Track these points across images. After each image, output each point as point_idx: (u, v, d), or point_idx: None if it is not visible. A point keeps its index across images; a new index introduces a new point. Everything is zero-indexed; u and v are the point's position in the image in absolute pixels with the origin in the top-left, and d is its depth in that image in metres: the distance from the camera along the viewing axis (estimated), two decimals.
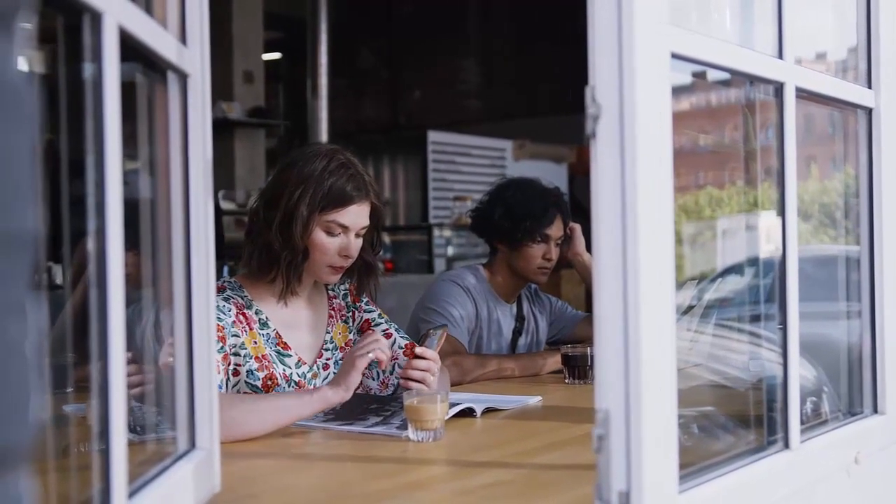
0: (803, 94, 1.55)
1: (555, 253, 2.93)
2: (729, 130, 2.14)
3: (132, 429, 1.21)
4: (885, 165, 1.78)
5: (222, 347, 2.04)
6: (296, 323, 2.25)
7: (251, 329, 2.14)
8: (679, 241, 1.30)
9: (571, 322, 3.15)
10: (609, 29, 1.15)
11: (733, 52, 1.42)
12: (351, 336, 2.34)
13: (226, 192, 6.88)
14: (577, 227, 3.04)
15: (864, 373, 1.80)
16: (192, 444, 1.34)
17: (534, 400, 2.31)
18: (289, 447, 1.84)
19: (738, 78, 1.59)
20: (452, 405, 2.00)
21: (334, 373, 2.25)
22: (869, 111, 1.78)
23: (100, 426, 0.98)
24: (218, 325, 2.01)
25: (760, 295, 1.89)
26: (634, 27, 1.13)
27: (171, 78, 1.30)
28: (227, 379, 2.06)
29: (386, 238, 7.61)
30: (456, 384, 2.63)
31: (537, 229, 2.89)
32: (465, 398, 2.17)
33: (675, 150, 1.22)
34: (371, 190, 2.21)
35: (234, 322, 2.10)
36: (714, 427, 1.60)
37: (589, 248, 3.06)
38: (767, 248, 1.95)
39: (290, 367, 2.18)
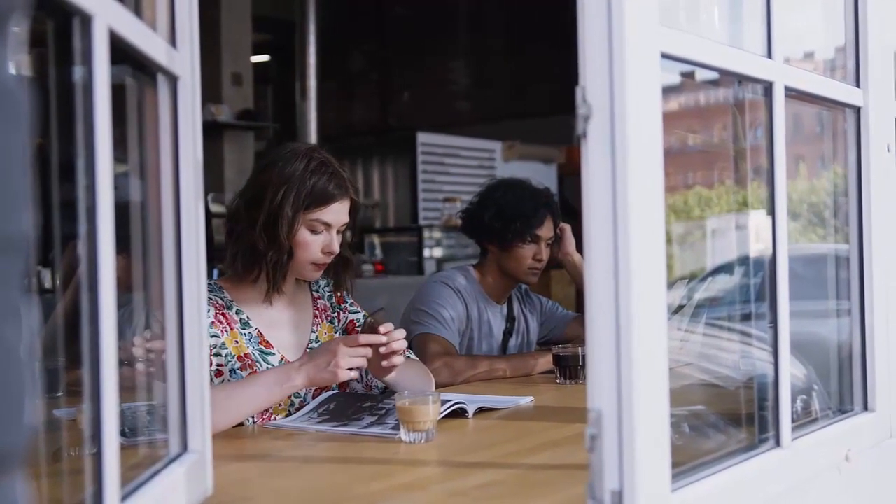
0: (792, 94, 1.55)
1: (545, 253, 2.94)
2: (717, 130, 2.14)
3: (122, 432, 1.21)
4: (873, 164, 1.78)
5: None
6: (279, 322, 2.27)
7: (231, 329, 2.17)
8: (668, 240, 1.30)
9: (562, 322, 3.16)
10: (599, 29, 1.15)
11: (723, 52, 1.43)
12: (336, 336, 2.36)
13: (215, 195, 6.86)
14: (567, 228, 3.04)
15: (854, 371, 1.81)
16: (185, 448, 1.34)
17: (525, 400, 2.31)
18: (281, 450, 1.84)
19: (727, 77, 1.59)
20: (444, 403, 2.00)
21: None
22: (857, 110, 1.79)
23: (92, 430, 0.98)
24: None
25: (750, 294, 1.90)
26: (625, 27, 1.14)
27: (161, 80, 1.30)
28: (211, 380, 2.06)
29: (375, 239, 7.62)
30: (447, 385, 2.64)
31: (527, 230, 2.89)
32: (457, 398, 2.17)
33: (663, 150, 1.22)
34: (350, 187, 2.24)
35: (212, 323, 2.12)
36: (706, 426, 1.60)
37: (579, 248, 3.06)
38: (757, 248, 1.95)
39: (273, 366, 2.20)
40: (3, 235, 0.53)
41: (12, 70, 0.57)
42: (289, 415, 2.15)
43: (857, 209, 1.79)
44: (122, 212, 1.08)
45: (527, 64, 9.41)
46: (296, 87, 8.45)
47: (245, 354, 2.16)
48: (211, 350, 2.08)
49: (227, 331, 2.15)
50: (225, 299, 2.20)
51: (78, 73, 0.99)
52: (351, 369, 2.00)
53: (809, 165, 2.06)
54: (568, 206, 3.80)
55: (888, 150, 1.83)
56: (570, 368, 2.60)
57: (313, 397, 2.27)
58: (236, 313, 2.20)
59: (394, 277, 6.87)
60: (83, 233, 0.98)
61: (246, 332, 2.20)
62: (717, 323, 2.06)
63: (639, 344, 1.14)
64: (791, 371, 1.54)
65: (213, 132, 7.16)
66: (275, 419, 2.15)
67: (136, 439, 1.45)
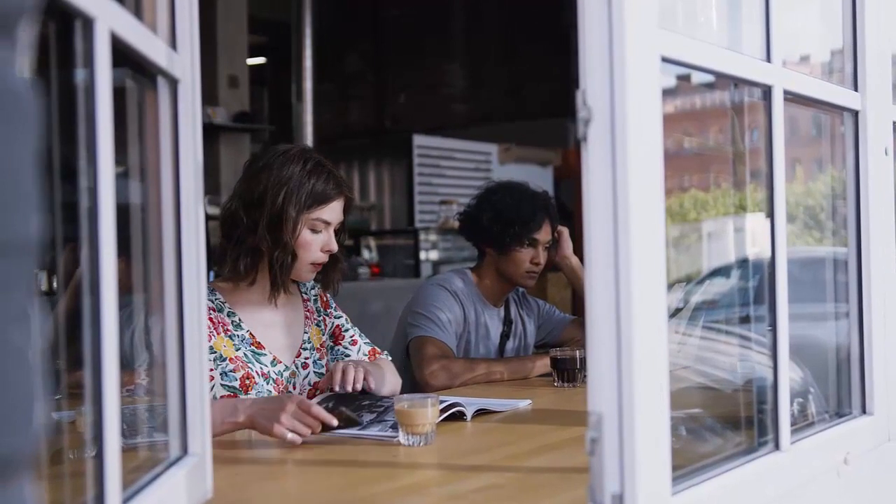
0: (790, 97, 1.56)
1: (543, 257, 2.93)
2: (713, 133, 2.15)
3: (122, 434, 1.20)
4: (871, 167, 1.79)
5: None
6: (271, 324, 2.29)
7: (219, 333, 2.17)
8: (665, 243, 1.31)
9: (559, 325, 3.16)
10: (600, 33, 1.15)
11: (722, 56, 1.43)
12: (324, 338, 2.41)
13: (211, 197, 6.86)
14: (565, 231, 3.04)
15: (852, 374, 1.81)
16: (185, 451, 1.34)
17: (524, 403, 2.31)
18: (280, 453, 1.83)
19: (723, 80, 1.60)
20: (443, 408, 2.00)
21: (314, 372, 2.33)
22: (855, 113, 1.79)
23: (94, 433, 0.98)
24: None
25: (747, 297, 1.90)
26: (625, 31, 1.14)
27: (161, 83, 1.30)
28: None
29: (372, 242, 7.61)
30: (445, 388, 2.64)
31: (526, 234, 2.89)
32: (455, 401, 2.17)
33: None
34: (344, 185, 2.29)
35: None
36: (705, 429, 1.60)
37: (576, 250, 3.06)
38: (753, 251, 1.96)
39: (266, 366, 2.22)
40: (10, 238, 0.53)
41: (22, 73, 0.57)
42: None
43: (856, 212, 1.80)
44: (121, 214, 1.08)
45: (523, 66, 9.42)
46: (292, 88, 8.45)
47: (236, 356, 2.18)
48: None
49: (214, 335, 2.16)
50: (217, 301, 2.22)
51: (79, 75, 0.98)
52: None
53: (805, 168, 2.06)
54: (564, 209, 3.81)
55: (886, 153, 1.83)
56: (568, 371, 2.60)
57: (308, 397, 2.28)
58: (228, 315, 2.22)
59: (389, 280, 6.86)
60: (84, 235, 0.98)
61: (238, 333, 2.21)
62: (714, 326, 2.06)
63: (639, 347, 1.15)
64: (788, 374, 1.54)
65: (209, 134, 7.15)
66: None
67: (135, 440, 1.45)
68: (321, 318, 2.42)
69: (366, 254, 7.42)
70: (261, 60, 10.21)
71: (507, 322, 3.06)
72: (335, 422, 1.85)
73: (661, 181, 1.21)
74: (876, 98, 1.80)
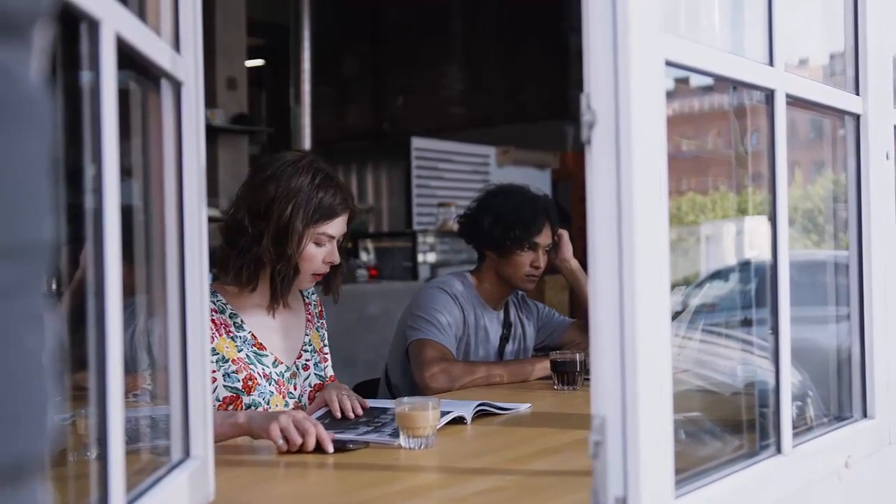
0: (792, 101, 1.56)
1: (543, 261, 2.93)
2: (712, 136, 2.15)
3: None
4: (872, 171, 1.79)
5: None
6: (273, 326, 2.30)
7: (221, 335, 2.17)
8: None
9: (559, 328, 3.15)
10: (604, 37, 1.15)
11: (725, 60, 1.43)
12: (322, 343, 2.42)
13: (209, 199, 6.85)
14: (565, 234, 3.04)
15: (853, 378, 1.81)
16: (187, 454, 1.34)
17: (524, 407, 2.31)
18: (282, 456, 1.83)
19: (721, 83, 1.60)
20: (444, 413, 2.00)
21: (315, 374, 2.34)
22: (857, 117, 1.79)
23: (98, 435, 0.98)
24: None
25: (746, 300, 1.90)
26: (629, 35, 1.14)
27: (165, 85, 1.30)
28: None
29: (370, 244, 7.61)
30: (445, 391, 2.64)
31: (526, 237, 2.89)
32: (455, 405, 2.16)
33: None
34: (351, 199, 2.29)
35: None
36: (707, 432, 1.60)
37: (575, 253, 3.06)
38: (752, 254, 1.96)
39: (267, 367, 2.23)
40: (24, 242, 0.53)
41: (37, 77, 0.57)
42: None
43: (857, 216, 1.80)
44: (124, 216, 1.08)
45: (521, 69, 9.42)
46: (290, 91, 8.44)
47: (238, 358, 2.18)
48: None
49: (216, 336, 2.16)
50: (218, 303, 2.22)
51: (85, 77, 0.98)
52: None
53: (803, 171, 2.07)
54: (562, 212, 3.81)
55: (887, 157, 1.83)
56: (568, 374, 2.60)
57: (309, 400, 2.28)
58: (230, 317, 2.22)
59: (388, 283, 6.86)
60: (88, 236, 0.98)
61: (240, 334, 2.22)
62: (714, 329, 2.06)
63: (643, 350, 1.15)
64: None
65: (207, 136, 7.10)
66: None
67: (138, 445, 1.45)
68: (320, 323, 2.44)
69: (364, 256, 7.42)
70: (259, 62, 10.21)
71: (507, 325, 3.06)
72: (331, 448, 1.82)
73: (665, 184, 1.21)
74: (877, 102, 1.81)
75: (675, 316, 1.94)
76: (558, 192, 7.76)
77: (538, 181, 6.66)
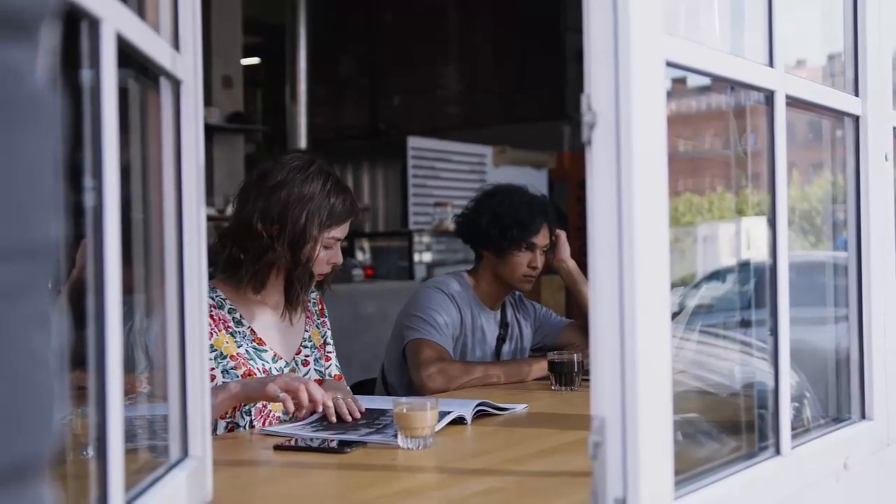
0: (792, 102, 1.56)
1: (540, 261, 2.93)
2: (709, 137, 2.15)
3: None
4: (871, 173, 1.79)
5: None
6: (272, 321, 2.31)
7: (220, 330, 2.17)
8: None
9: (556, 329, 3.15)
10: (605, 37, 1.15)
11: (725, 61, 1.43)
12: (323, 340, 2.44)
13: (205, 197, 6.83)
14: (563, 234, 3.04)
15: (851, 379, 1.81)
16: (185, 453, 1.33)
17: (521, 407, 2.31)
18: (280, 456, 1.83)
19: (719, 84, 1.60)
20: (443, 414, 2.00)
21: (315, 370, 2.36)
22: (856, 118, 1.79)
23: (97, 435, 0.97)
24: None
25: (744, 301, 1.90)
26: (631, 36, 1.14)
27: (164, 84, 1.30)
28: None
29: (366, 244, 7.60)
30: (442, 391, 2.63)
31: (524, 238, 2.89)
32: (454, 404, 2.16)
33: None
34: (356, 203, 2.33)
35: None
36: (706, 434, 1.60)
37: (572, 254, 3.06)
38: (750, 254, 1.96)
39: (267, 362, 2.24)
40: (30, 242, 0.53)
41: (43, 76, 0.56)
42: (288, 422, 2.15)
43: (856, 217, 1.80)
44: (122, 214, 1.07)
45: (517, 69, 9.43)
46: (286, 90, 8.44)
47: (237, 353, 2.18)
48: None
49: (216, 332, 2.17)
50: (217, 298, 2.22)
51: (85, 75, 0.98)
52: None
53: (801, 172, 2.07)
54: (559, 212, 3.81)
55: (886, 158, 1.83)
56: (566, 375, 2.60)
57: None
58: (229, 312, 2.22)
59: (383, 282, 6.84)
60: (88, 235, 0.98)
61: (240, 330, 2.22)
62: (711, 330, 2.06)
63: (643, 351, 1.14)
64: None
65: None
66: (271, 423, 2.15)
67: (136, 444, 1.44)
68: (320, 321, 2.45)
69: (360, 256, 7.41)
70: (255, 61, 10.20)
71: (504, 325, 3.06)
72: (330, 404, 2.00)
73: (666, 185, 1.21)
74: (877, 103, 1.81)
75: (672, 317, 1.94)
76: (554, 192, 7.76)
77: (535, 181, 6.65)
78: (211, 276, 2.34)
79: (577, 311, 3.23)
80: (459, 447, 1.94)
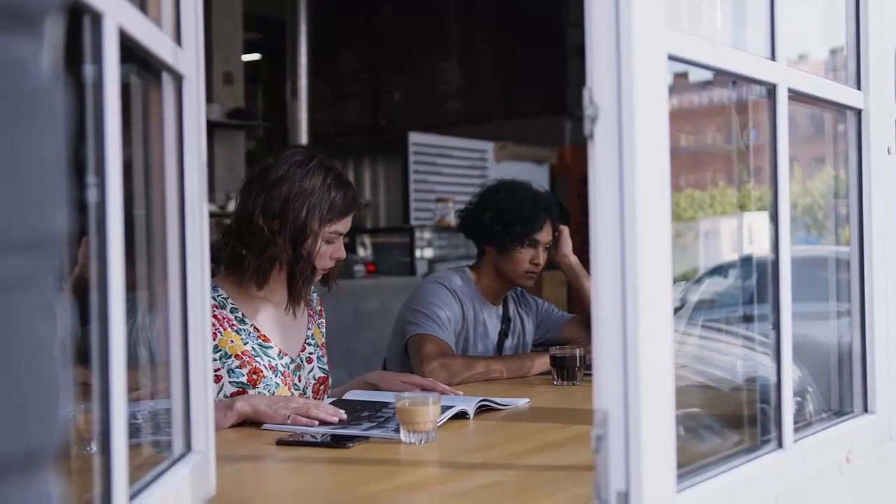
0: (794, 96, 1.56)
1: (543, 258, 2.93)
2: (711, 131, 2.15)
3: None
4: (873, 166, 1.79)
5: None
6: (275, 317, 2.31)
7: (226, 329, 2.18)
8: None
9: (558, 324, 3.15)
10: (607, 31, 1.15)
11: (727, 54, 1.43)
12: (323, 339, 2.45)
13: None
14: (565, 229, 3.04)
15: (854, 373, 1.81)
16: (188, 448, 1.33)
17: (522, 402, 2.31)
18: (283, 451, 1.83)
19: (721, 78, 1.60)
20: (445, 408, 2.00)
21: (318, 367, 2.36)
22: (858, 112, 1.79)
23: (100, 430, 0.97)
24: None
25: (747, 296, 1.90)
26: (633, 29, 1.14)
27: (166, 79, 1.30)
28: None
29: (367, 240, 7.60)
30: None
31: (527, 234, 2.88)
32: (456, 400, 2.16)
33: None
34: (358, 196, 2.32)
35: None
36: (708, 428, 1.60)
37: (574, 249, 3.06)
38: (752, 250, 1.96)
39: (273, 359, 2.24)
40: (37, 235, 0.53)
41: (49, 69, 0.56)
42: None
43: (858, 211, 1.80)
44: (125, 210, 1.07)
45: (519, 64, 9.42)
46: (287, 86, 8.43)
47: (243, 352, 2.18)
48: None
49: (220, 331, 2.17)
50: (219, 298, 2.22)
51: (88, 70, 0.98)
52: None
53: (802, 167, 2.07)
54: (561, 208, 3.81)
55: (889, 152, 1.83)
56: (568, 370, 2.60)
57: (314, 393, 2.29)
58: (231, 311, 2.22)
59: (385, 278, 6.85)
60: (91, 231, 0.98)
61: (244, 328, 2.22)
62: (713, 325, 2.06)
63: (645, 345, 1.14)
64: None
65: None
66: None
67: (139, 439, 1.44)
68: (320, 321, 2.46)
69: (361, 251, 7.41)
70: (256, 57, 10.20)
71: (506, 320, 3.06)
72: (338, 418, 1.97)
73: (668, 179, 1.21)
74: (879, 97, 1.81)
75: (675, 312, 1.94)
76: (556, 188, 7.76)
77: (536, 177, 6.65)
78: (213, 274, 2.34)
79: (578, 306, 3.23)
80: (461, 442, 1.94)
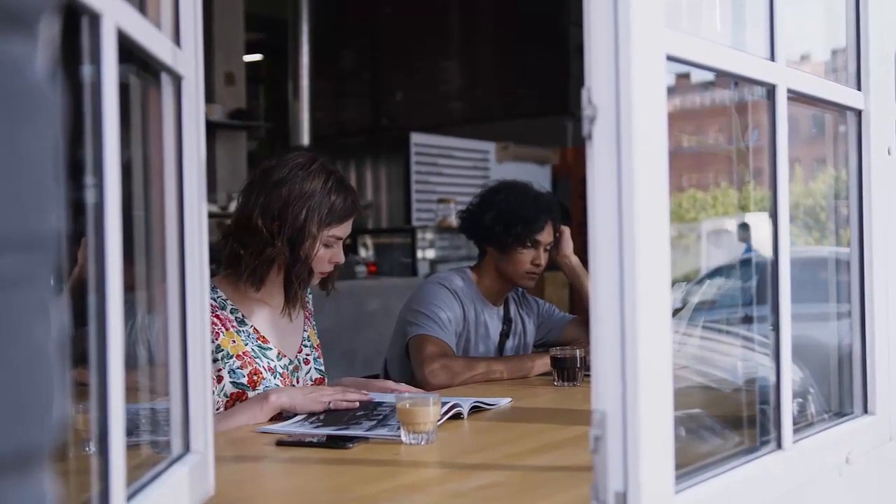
0: (794, 96, 1.55)
1: (544, 258, 2.93)
2: (712, 132, 2.15)
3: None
4: (874, 167, 1.79)
5: None
6: (273, 319, 2.32)
7: (227, 329, 2.18)
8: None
9: (559, 324, 3.15)
10: (606, 31, 1.15)
11: (726, 55, 1.43)
12: (318, 340, 2.45)
13: (207, 194, 6.82)
14: (566, 230, 3.03)
15: (853, 373, 1.81)
16: (187, 448, 1.33)
17: (504, 402, 2.30)
18: (282, 451, 1.83)
19: (722, 79, 1.60)
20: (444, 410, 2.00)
21: (315, 368, 2.38)
22: (858, 113, 1.79)
23: (98, 430, 0.98)
24: None
25: (747, 297, 1.90)
26: (631, 29, 1.14)
27: (165, 80, 1.30)
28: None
29: (369, 240, 7.60)
30: (445, 387, 2.63)
31: (528, 235, 2.88)
32: (451, 400, 2.16)
33: None
34: (359, 201, 2.32)
35: None
36: (707, 428, 1.60)
37: (575, 249, 3.06)
38: (753, 250, 1.95)
39: (272, 360, 2.25)
40: (33, 234, 0.53)
41: (43, 69, 0.56)
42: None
43: (858, 212, 1.80)
44: (123, 210, 1.07)
45: (520, 64, 9.42)
46: (288, 86, 8.43)
47: (244, 353, 2.19)
48: None
49: (222, 332, 2.17)
50: (219, 299, 2.23)
51: (86, 71, 0.98)
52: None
53: (803, 168, 2.06)
54: (563, 209, 3.81)
55: (889, 153, 1.83)
56: (569, 370, 2.60)
57: None
58: (231, 312, 2.22)
59: (386, 279, 6.85)
60: (89, 232, 0.98)
61: (243, 329, 2.23)
62: (714, 326, 2.06)
63: (643, 345, 1.14)
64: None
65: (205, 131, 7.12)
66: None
67: (137, 439, 1.44)
68: (315, 320, 2.47)
69: (363, 252, 7.41)
70: (257, 57, 10.20)
71: (507, 321, 3.06)
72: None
73: (667, 179, 1.21)
74: (879, 97, 1.81)
75: (675, 313, 1.94)
76: (558, 189, 7.76)
77: (538, 177, 6.66)
78: (213, 275, 2.34)
79: (580, 307, 3.23)
80: (461, 442, 1.94)
